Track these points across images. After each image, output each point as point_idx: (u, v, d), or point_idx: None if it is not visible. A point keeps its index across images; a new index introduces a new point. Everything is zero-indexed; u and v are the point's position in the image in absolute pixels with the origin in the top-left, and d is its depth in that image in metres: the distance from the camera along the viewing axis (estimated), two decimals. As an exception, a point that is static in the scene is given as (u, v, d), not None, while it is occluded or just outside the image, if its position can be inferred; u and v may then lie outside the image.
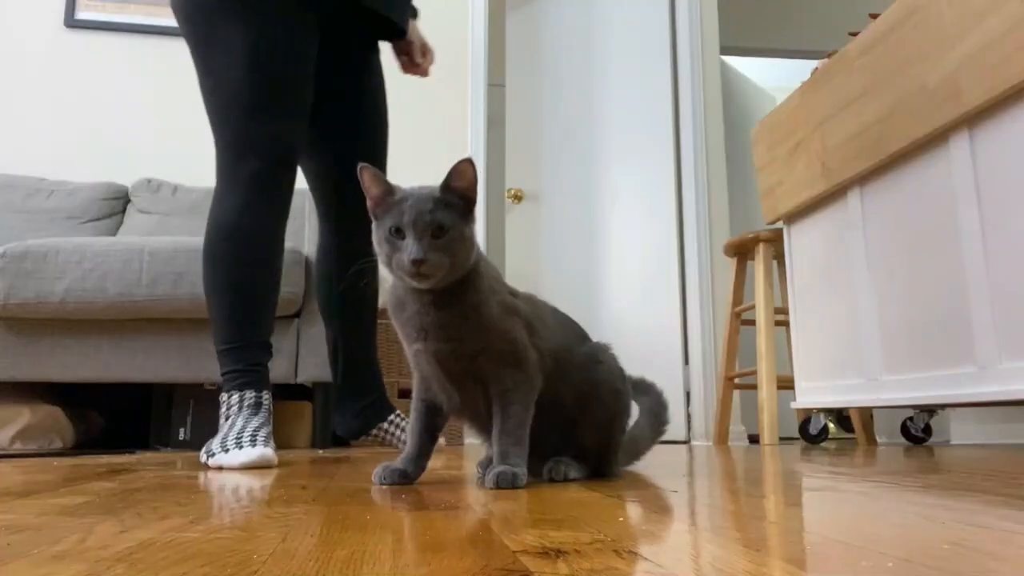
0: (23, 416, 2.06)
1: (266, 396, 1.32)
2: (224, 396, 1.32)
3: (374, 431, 1.70)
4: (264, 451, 1.19)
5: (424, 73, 1.76)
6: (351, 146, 1.60)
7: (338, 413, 1.73)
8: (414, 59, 1.72)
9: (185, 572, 0.37)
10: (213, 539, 0.48)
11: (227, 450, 1.20)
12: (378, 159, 1.65)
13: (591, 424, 0.96)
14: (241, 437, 1.22)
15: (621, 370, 1.01)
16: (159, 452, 1.92)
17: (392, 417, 1.71)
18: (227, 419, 1.30)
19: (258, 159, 1.33)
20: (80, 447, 2.17)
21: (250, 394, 1.30)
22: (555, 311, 1.02)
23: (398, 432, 1.70)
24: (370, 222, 0.88)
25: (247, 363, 1.32)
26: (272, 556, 0.42)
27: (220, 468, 1.18)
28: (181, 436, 2.14)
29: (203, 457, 1.25)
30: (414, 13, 1.70)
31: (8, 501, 0.70)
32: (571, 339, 0.99)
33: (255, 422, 1.27)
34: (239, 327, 1.33)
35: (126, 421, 2.49)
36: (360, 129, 1.62)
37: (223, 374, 1.33)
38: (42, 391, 2.19)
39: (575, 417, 0.95)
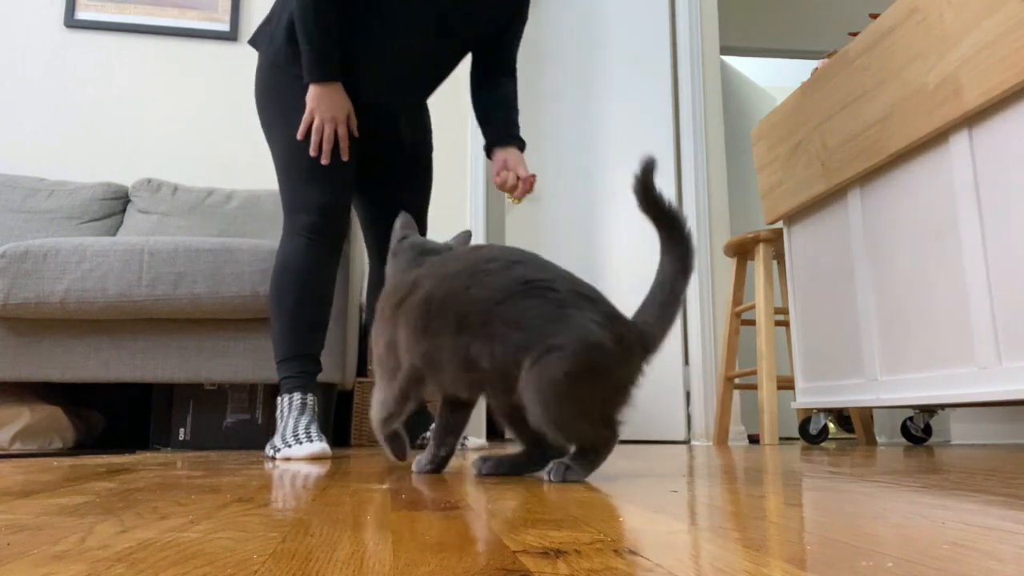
0: (23, 416, 2.06)
1: (310, 398, 1.60)
2: (279, 399, 1.62)
3: (418, 440, 1.92)
4: (323, 446, 1.47)
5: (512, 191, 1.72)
6: (397, 196, 1.90)
7: None
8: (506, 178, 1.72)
9: (185, 572, 0.37)
10: (213, 539, 0.48)
11: (289, 445, 1.48)
12: (421, 208, 1.93)
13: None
14: (298, 433, 1.51)
15: None
16: (159, 452, 1.92)
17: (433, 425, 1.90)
18: (281, 418, 1.58)
19: (307, 213, 1.63)
20: (80, 447, 2.17)
21: (297, 396, 1.59)
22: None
23: None
24: None
25: (294, 371, 1.60)
26: (272, 556, 0.42)
27: (288, 459, 1.44)
28: (181, 436, 2.14)
29: (269, 452, 1.54)
30: (521, 145, 1.76)
31: (8, 501, 0.70)
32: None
33: (304, 420, 1.55)
34: (290, 343, 1.61)
35: (126, 421, 2.49)
36: (408, 183, 1.90)
37: (280, 380, 1.62)
38: (42, 391, 2.19)
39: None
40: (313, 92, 1.61)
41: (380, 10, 1.61)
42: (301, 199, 1.64)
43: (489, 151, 1.76)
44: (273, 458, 1.48)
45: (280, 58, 1.68)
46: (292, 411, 1.57)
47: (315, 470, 1.15)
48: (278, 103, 1.69)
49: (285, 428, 1.55)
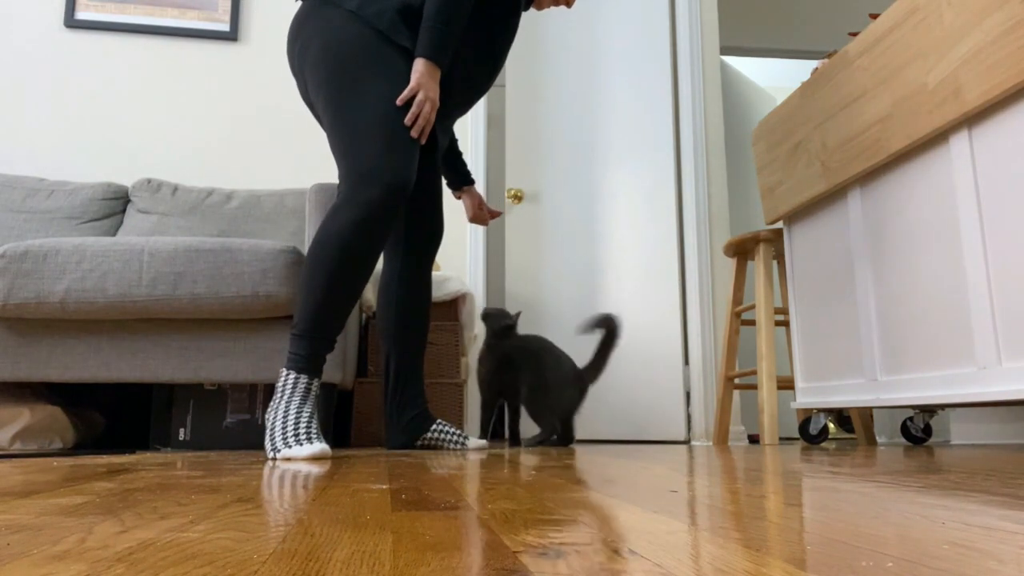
0: (23, 416, 2.06)
1: (316, 384, 1.56)
2: (283, 372, 1.55)
3: (419, 442, 1.93)
4: (324, 446, 1.44)
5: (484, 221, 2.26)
6: (422, 202, 1.99)
7: (388, 428, 1.97)
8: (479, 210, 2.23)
9: (185, 572, 0.37)
10: (213, 539, 0.48)
11: (290, 446, 1.45)
12: (440, 204, 2.04)
13: None
14: (299, 433, 1.48)
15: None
16: (159, 452, 1.92)
17: (435, 426, 1.95)
18: (281, 396, 1.53)
19: (379, 187, 1.54)
20: (80, 447, 2.17)
21: (304, 379, 1.53)
22: None
23: (443, 437, 1.94)
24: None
25: (307, 351, 1.54)
26: (272, 556, 0.42)
27: (288, 459, 1.41)
28: (181, 436, 2.14)
29: (270, 452, 1.48)
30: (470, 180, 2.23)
31: (8, 501, 0.70)
32: None
33: (305, 413, 1.50)
34: (312, 319, 1.55)
35: (126, 421, 2.49)
36: (432, 183, 2.00)
37: (290, 353, 1.56)
38: (42, 391, 2.19)
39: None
40: (425, 68, 1.62)
41: (481, 37, 1.82)
42: (376, 167, 1.55)
43: (456, 188, 2.21)
44: (273, 458, 1.45)
45: (383, 23, 1.65)
46: (295, 396, 1.52)
47: (315, 470, 1.15)
48: (378, 67, 1.62)
49: (286, 421, 1.50)
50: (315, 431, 1.50)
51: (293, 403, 1.51)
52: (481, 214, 2.22)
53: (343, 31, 1.63)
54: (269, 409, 1.55)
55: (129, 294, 2.01)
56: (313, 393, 1.54)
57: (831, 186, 2.12)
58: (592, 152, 3.13)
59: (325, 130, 1.68)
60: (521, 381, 2.24)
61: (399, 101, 1.60)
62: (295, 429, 1.48)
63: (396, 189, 1.55)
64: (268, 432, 1.51)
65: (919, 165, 1.83)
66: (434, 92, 1.64)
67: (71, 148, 2.99)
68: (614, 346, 2.24)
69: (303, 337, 1.55)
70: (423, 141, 1.66)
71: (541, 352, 2.24)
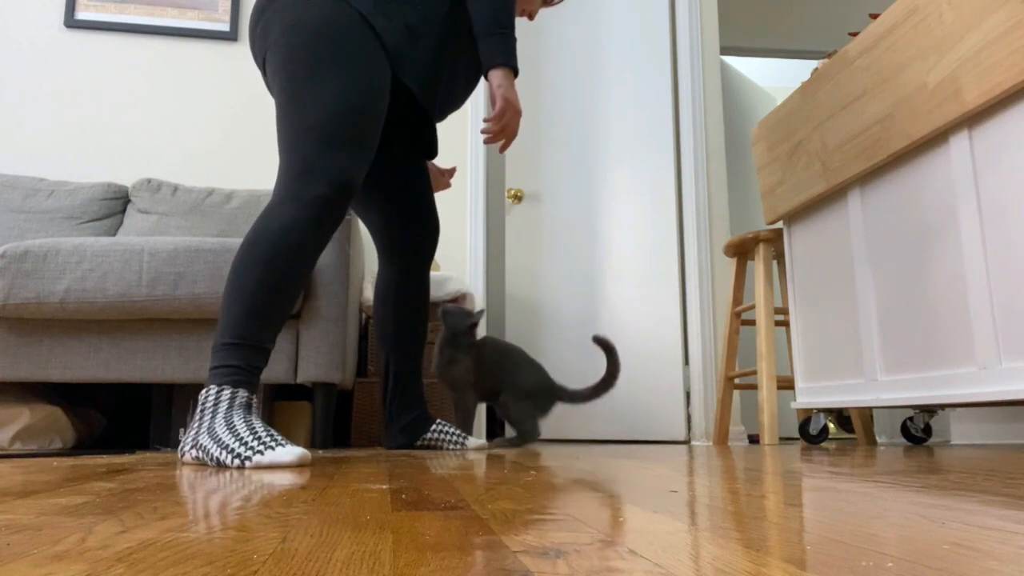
0: (23, 416, 2.06)
1: (254, 400, 1.34)
2: (213, 389, 1.30)
3: (419, 442, 1.94)
4: (304, 451, 1.21)
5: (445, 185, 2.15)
6: (415, 205, 1.96)
7: (387, 429, 1.96)
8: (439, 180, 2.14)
9: (185, 572, 0.37)
10: (213, 539, 0.48)
11: (262, 452, 1.20)
12: (434, 215, 1.99)
13: None
14: (262, 438, 1.22)
15: None
16: (159, 452, 1.92)
17: (434, 427, 1.95)
18: (213, 414, 1.27)
19: (325, 185, 1.41)
20: (80, 447, 2.17)
21: (243, 393, 1.30)
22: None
23: (443, 437, 1.95)
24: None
25: (248, 362, 1.33)
26: (272, 556, 0.42)
27: (270, 467, 1.18)
28: (181, 436, 2.14)
29: (235, 463, 1.20)
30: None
31: (8, 501, 0.70)
32: None
33: (258, 422, 1.27)
34: (252, 327, 1.34)
35: (126, 421, 2.49)
36: (422, 190, 1.97)
37: (218, 367, 1.31)
38: (42, 391, 2.19)
39: None
40: (508, 79, 1.57)
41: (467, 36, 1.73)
42: (324, 165, 1.40)
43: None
44: (241, 467, 1.19)
45: (364, 5, 1.51)
46: (236, 408, 1.28)
47: (314, 470, 1.15)
48: (346, 53, 1.46)
49: (236, 430, 1.24)
50: (279, 436, 1.26)
51: (237, 413, 1.28)
52: (442, 180, 2.13)
53: (313, 9, 1.47)
54: (194, 430, 1.29)
55: (129, 294, 2.01)
56: (255, 409, 1.33)
57: (831, 186, 2.12)
58: (592, 152, 3.13)
59: (276, 118, 1.51)
60: (507, 384, 2.17)
61: (485, 123, 1.60)
62: (255, 435, 1.24)
63: (344, 189, 1.42)
64: (215, 446, 1.23)
65: (919, 165, 1.83)
66: (518, 103, 1.62)
67: (71, 148, 2.99)
68: (610, 387, 2.18)
69: (239, 347, 1.33)
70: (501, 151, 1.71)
71: (527, 360, 2.20)
